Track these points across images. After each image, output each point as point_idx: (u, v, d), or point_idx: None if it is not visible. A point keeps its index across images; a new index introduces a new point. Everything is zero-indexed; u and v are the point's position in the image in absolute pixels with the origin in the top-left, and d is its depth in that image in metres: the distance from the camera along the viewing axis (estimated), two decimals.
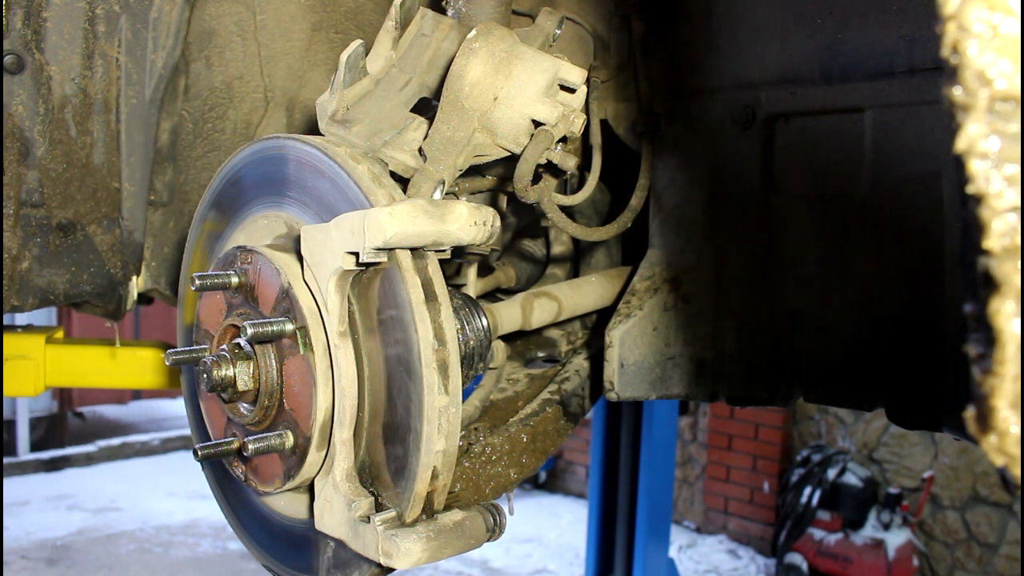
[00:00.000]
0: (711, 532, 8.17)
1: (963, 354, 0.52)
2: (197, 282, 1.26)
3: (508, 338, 1.89)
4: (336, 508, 1.19)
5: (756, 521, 7.83)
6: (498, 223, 1.23)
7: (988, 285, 0.49)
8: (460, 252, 1.47)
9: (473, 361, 1.49)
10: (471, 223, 1.16)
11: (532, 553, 7.76)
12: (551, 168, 1.41)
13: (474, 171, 1.49)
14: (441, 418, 1.11)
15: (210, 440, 1.39)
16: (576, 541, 7.77)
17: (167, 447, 10.73)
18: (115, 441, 10.56)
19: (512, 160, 1.35)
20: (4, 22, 1.66)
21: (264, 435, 1.22)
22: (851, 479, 6.90)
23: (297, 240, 1.20)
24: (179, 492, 8.94)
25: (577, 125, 1.32)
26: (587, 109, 1.61)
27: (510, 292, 1.98)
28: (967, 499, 6.69)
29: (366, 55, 1.39)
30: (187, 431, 1.39)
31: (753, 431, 7.86)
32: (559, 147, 1.36)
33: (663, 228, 1.78)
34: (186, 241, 1.50)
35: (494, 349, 1.77)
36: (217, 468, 1.48)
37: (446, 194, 1.31)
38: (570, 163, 1.36)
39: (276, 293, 1.22)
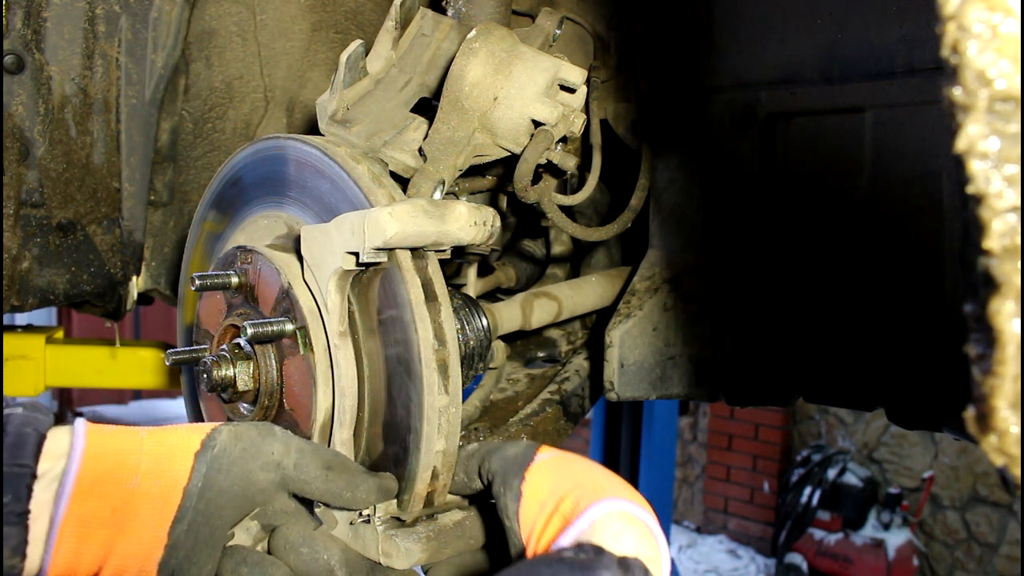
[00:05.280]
0: (711, 532, 8.17)
1: (963, 354, 0.52)
2: (197, 282, 1.26)
3: (508, 338, 1.89)
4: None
5: (756, 521, 7.83)
6: (498, 223, 1.23)
7: (988, 285, 0.49)
8: (460, 252, 1.47)
9: (473, 361, 1.49)
10: (471, 223, 1.16)
11: None
12: (551, 168, 1.41)
13: (474, 171, 1.49)
14: (441, 418, 1.11)
15: None
16: None
17: None
18: None
19: (512, 160, 1.35)
20: (4, 22, 1.66)
21: None
22: (851, 479, 6.90)
23: (297, 240, 1.20)
24: None
25: (577, 125, 1.32)
26: (587, 109, 1.61)
27: (510, 292, 1.98)
28: (967, 499, 6.69)
29: (366, 55, 1.39)
30: None
31: (753, 431, 7.87)
32: (559, 147, 1.36)
33: (663, 228, 1.78)
34: (186, 241, 1.50)
35: (494, 349, 1.77)
36: None
37: (446, 194, 1.31)
38: (570, 163, 1.36)
39: (276, 293, 1.22)
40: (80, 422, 0.96)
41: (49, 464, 0.90)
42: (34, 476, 0.88)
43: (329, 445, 1.20)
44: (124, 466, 0.94)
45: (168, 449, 0.97)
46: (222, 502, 0.98)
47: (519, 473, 1.00)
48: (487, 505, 1.12)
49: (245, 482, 1.00)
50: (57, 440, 0.93)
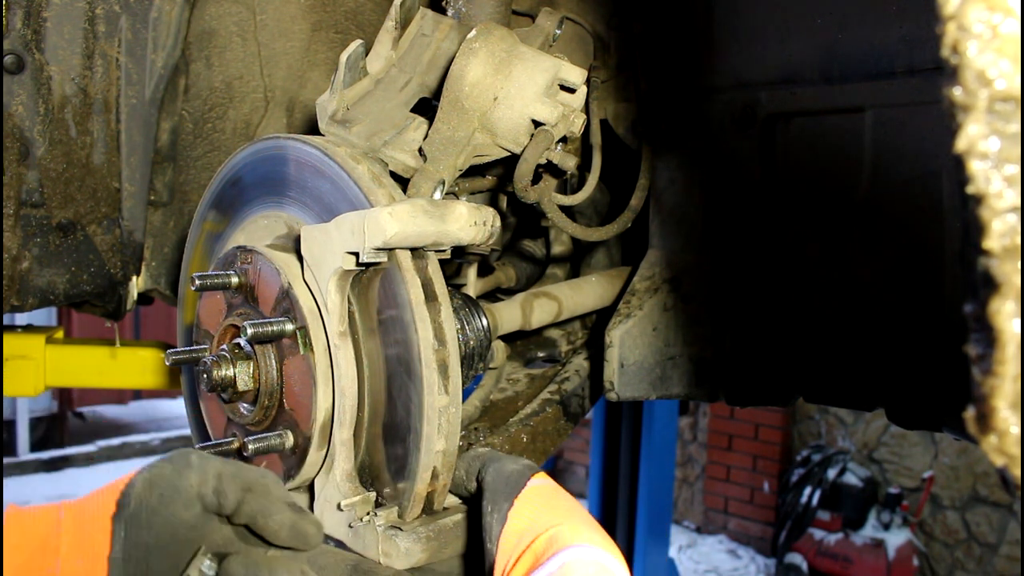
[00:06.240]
0: (711, 532, 8.17)
1: (963, 354, 0.52)
2: (197, 282, 1.26)
3: (508, 338, 1.89)
4: (336, 508, 1.19)
5: (756, 521, 7.83)
6: (498, 223, 1.23)
7: (988, 285, 0.49)
8: (460, 252, 1.47)
9: (473, 361, 1.49)
10: (471, 223, 1.16)
11: None
12: (551, 168, 1.41)
13: (474, 171, 1.49)
14: (441, 418, 1.11)
15: (210, 440, 1.39)
16: None
17: (167, 447, 10.72)
18: (115, 441, 10.56)
19: (512, 160, 1.35)
20: (4, 22, 1.66)
21: (264, 435, 1.22)
22: (851, 479, 6.90)
23: (297, 240, 1.20)
24: None
25: (577, 125, 1.32)
26: (587, 109, 1.61)
27: (510, 292, 1.98)
28: (967, 499, 6.69)
29: (366, 55, 1.39)
30: (187, 431, 1.40)
31: (753, 431, 7.86)
32: (559, 147, 1.36)
33: (663, 228, 1.78)
34: (186, 241, 1.50)
35: (494, 349, 1.77)
36: None
37: (446, 194, 1.31)
38: (570, 163, 1.36)
39: (276, 293, 1.22)
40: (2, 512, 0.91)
41: None
42: None
43: (329, 445, 1.20)
44: (44, 551, 0.89)
45: (86, 522, 0.93)
46: (153, 558, 0.93)
47: (509, 497, 1.01)
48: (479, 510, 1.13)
49: (172, 528, 0.94)
50: None
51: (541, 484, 1.04)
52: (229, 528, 1.00)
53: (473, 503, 1.16)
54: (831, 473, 6.95)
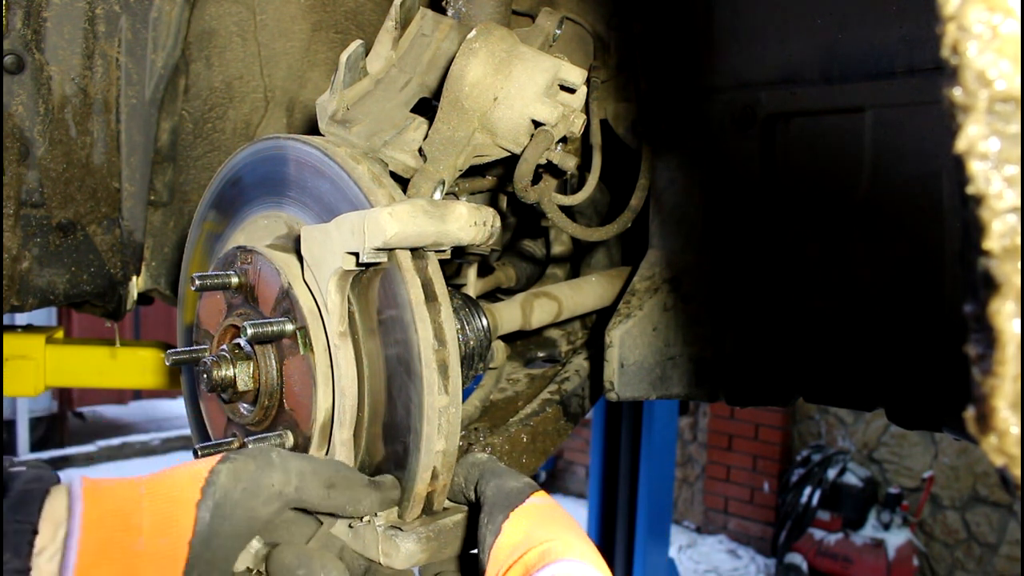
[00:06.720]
0: (711, 532, 8.17)
1: (963, 354, 0.52)
2: (197, 282, 1.26)
3: (508, 338, 1.89)
4: None
5: (756, 521, 7.83)
6: (498, 223, 1.23)
7: (988, 285, 0.49)
8: (460, 252, 1.47)
9: (473, 361, 1.49)
10: (471, 223, 1.16)
11: None
12: (551, 168, 1.41)
13: (474, 171, 1.49)
14: (441, 418, 1.11)
15: (210, 440, 1.39)
16: None
17: (167, 447, 10.74)
18: (115, 441, 10.57)
19: (512, 160, 1.35)
20: (4, 22, 1.66)
21: (264, 435, 1.22)
22: (851, 479, 6.91)
23: (297, 240, 1.20)
24: None
25: (577, 125, 1.32)
26: (587, 109, 1.61)
27: (510, 292, 1.98)
28: (967, 499, 6.69)
29: (366, 55, 1.39)
30: (187, 431, 1.40)
31: (753, 431, 7.87)
32: (559, 147, 1.36)
33: (663, 228, 1.78)
34: (186, 241, 1.50)
35: (494, 349, 1.77)
36: None
37: (446, 194, 1.31)
38: (570, 163, 1.36)
39: (276, 293, 1.22)
40: (77, 482, 0.93)
41: (51, 530, 0.88)
42: (35, 532, 0.86)
43: (329, 445, 1.20)
44: (127, 528, 0.92)
45: (169, 503, 0.96)
46: (227, 545, 0.98)
47: (505, 511, 1.02)
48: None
49: (249, 521, 1.00)
50: (56, 504, 0.90)
51: (539, 502, 1.05)
52: (284, 516, 1.07)
53: (471, 514, 1.16)
54: (831, 473, 6.96)
